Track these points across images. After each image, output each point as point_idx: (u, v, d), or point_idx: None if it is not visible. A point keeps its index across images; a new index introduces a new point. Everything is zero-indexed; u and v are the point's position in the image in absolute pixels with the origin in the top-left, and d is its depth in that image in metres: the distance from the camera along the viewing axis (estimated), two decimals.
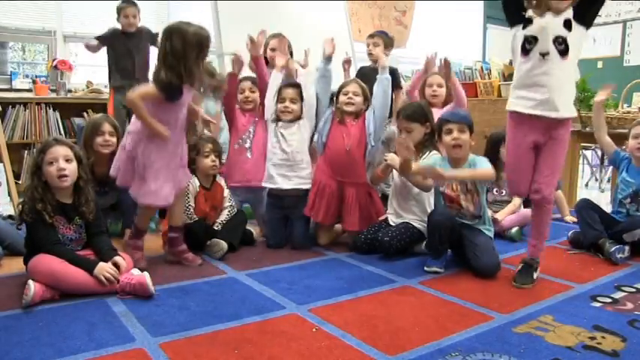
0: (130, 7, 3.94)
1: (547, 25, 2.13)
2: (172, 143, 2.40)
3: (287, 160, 2.93)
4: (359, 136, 2.90)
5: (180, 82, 2.29)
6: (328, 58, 3.08)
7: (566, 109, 2.20)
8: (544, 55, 2.14)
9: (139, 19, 3.99)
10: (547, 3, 2.12)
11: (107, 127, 2.83)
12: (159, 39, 2.42)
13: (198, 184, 2.84)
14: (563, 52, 2.14)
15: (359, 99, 2.94)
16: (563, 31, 2.13)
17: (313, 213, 2.90)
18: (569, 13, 2.13)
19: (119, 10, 3.94)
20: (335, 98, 3.02)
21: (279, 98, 2.97)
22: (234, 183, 3.12)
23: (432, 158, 2.62)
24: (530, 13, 2.17)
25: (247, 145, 3.22)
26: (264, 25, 4.40)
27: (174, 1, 5.14)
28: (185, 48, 2.26)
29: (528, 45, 2.17)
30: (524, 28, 2.18)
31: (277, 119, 3.00)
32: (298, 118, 2.97)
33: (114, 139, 2.83)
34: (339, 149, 2.90)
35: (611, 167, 5.18)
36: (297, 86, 3.01)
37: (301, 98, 2.97)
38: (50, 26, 4.54)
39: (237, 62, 3.04)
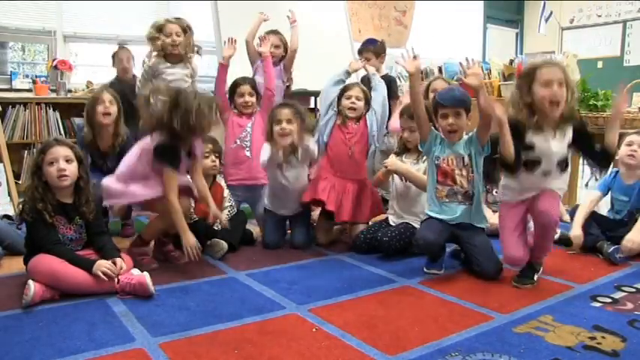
0: (123, 50, 4.04)
1: (553, 151, 2.19)
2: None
3: (288, 193, 2.92)
4: (361, 140, 2.94)
5: (187, 137, 2.37)
6: (349, 73, 3.12)
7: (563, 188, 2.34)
8: (546, 173, 2.24)
9: (133, 65, 4.05)
10: (545, 118, 2.15)
11: (106, 96, 2.90)
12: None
13: None
14: (565, 167, 2.25)
15: (361, 103, 2.96)
16: (565, 151, 2.22)
17: (316, 191, 2.86)
18: (569, 133, 2.20)
19: (114, 56, 4.04)
20: (337, 100, 3.02)
21: (275, 120, 2.82)
22: (232, 182, 3.13)
23: (432, 133, 2.54)
24: (529, 137, 2.19)
25: (246, 144, 3.23)
26: (264, 25, 4.41)
27: (175, 1, 5.13)
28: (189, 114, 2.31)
29: (531, 165, 2.23)
30: (523, 150, 2.21)
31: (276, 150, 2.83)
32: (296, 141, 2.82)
33: (114, 108, 2.90)
34: (341, 152, 2.93)
35: (610, 167, 5.18)
36: (292, 105, 2.89)
37: (299, 117, 2.83)
38: (50, 26, 4.54)
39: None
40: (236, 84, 3.26)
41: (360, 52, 3.98)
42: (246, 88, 3.20)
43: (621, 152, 2.82)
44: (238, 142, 3.23)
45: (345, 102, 2.96)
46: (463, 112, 2.41)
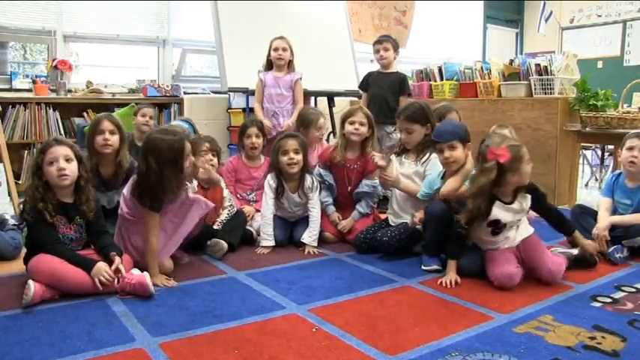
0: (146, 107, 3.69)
1: (513, 218, 2.30)
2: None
3: (291, 217, 3.03)
4: (358, 181, 3.04)
5: (157, 201, 2.30)
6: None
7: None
8: (509, 231, 2.34)
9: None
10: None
11: (107, 124, 2.70)
12: None
13: (196, 183, 2.83)
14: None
15: (364, 129, 2.99)
16: (523, 215, 2.34)
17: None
18: (527, 199, 2.29)
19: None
20: (340, 124, 3.07)
21: (282, 151, 2.87)
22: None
23: (429, 175, 2.65)
24: (494, 212, 2.27)
25: (251, 197, 3.30)
26: (264, 25, 4.42)
27: (175, 0, 5.14)
28: (161, 167, 2.26)
29: (497, 230, 2.32)
30: (490, 224, 2.30)
31: (279, 173, 2.91)
32: (302, 168, 2.91)
33: (115, 138, 2.71)
34: (341, 190, 3.07)
35: (610, 167, 5.18)
36: (297, 136, 2.98)
37: (303, 148, 2.92)
38: (50, 26, 4.54)
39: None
40: (244, 126, 3.31)
41: (380, 42, 3.98)
42: (253, 129, 3.25)
43: (622, 156, 2.79)
44: (244, 195, 3.27)
45: (348, 127, 2.99)
46: (458, 144, 2.47)
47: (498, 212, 2.26)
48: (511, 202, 2.27)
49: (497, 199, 2.25)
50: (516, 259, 2.31)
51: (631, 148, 2.75)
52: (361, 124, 2.97)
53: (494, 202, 2.24)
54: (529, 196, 2.31)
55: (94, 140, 2.70)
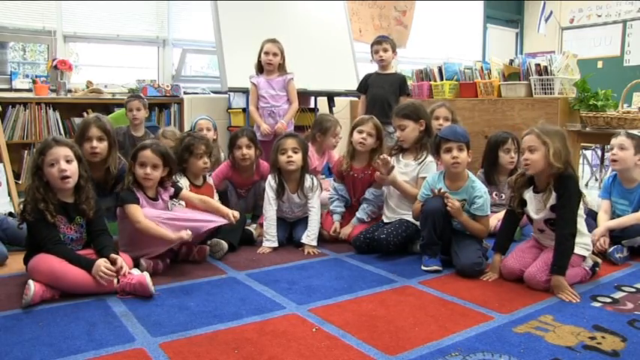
0: (133, 100, 3.73)
1: (535, 210, 2.30)
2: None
3: (291, 217, 3.03)
4: (364, 191, 3.02)
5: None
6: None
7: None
8: (541, 231, 2.35)
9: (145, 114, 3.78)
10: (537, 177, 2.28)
11: (94, 131, 2.61)
12: None
13: (188, 183, 2.82)
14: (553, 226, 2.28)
15: (371, 140, 2.94)
16: (551, 215, 2.25)
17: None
18: (553, 199, 2.23)
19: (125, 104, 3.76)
20: (350, 132, 3.02)
21: (280, 150, 2.86)
22: None
23: (429, 176, 2.65)
24: (525, 193, 2.34)
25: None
26: (264, 25, 4.42)
27: (175, 0, 5.14)
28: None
29: (530, 220, 2.39)
30: (524, 206, 2.36)
31: (279, 173, 2.90)
32: (301, 168, 2.90)
33: (102, 145, 2.64)
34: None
35: (610, 167, 5.18)
36: (296, 136, 2.97)
37: (303, 147, 2.90)
38: (50, 26, 4.55)
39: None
40: (234, 136, 3.14)
41: (379, 42, 3.99)
42: (244, 140, 3.07)
43: (610, 156, 2.83)
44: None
45: (356, 136, 2.95)
46: (465, 147, 2.49)
47: (526, 194, 2.34)
48: (541, 192, 2.28)
49: (533, 184, 2.32)
50: (531, 260, 2.31)
51: (611, 147, 2.80)
52: (369, 134, 2.91)
53: (530, 186, 2.33)
54: (554, 195, 2.21)
55: (82, 147, 2.60)
